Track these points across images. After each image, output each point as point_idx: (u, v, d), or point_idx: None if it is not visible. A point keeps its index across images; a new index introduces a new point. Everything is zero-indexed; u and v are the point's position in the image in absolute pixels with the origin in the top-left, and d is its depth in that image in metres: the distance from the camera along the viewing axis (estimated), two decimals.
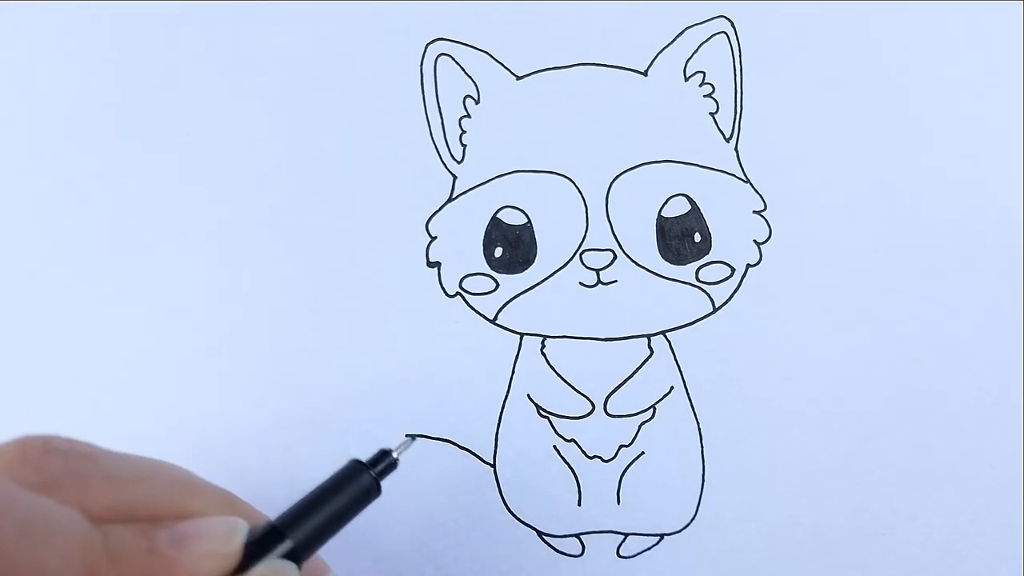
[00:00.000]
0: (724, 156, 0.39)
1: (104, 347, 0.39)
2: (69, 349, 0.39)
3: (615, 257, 0.38)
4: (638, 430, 0.39)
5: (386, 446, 0.33)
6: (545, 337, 0.39)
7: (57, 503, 0.22)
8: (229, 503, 0.27)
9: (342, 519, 0.30)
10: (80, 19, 0.40)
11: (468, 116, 0.39)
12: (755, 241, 0.39)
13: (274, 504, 0.36)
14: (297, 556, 0.27)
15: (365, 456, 0.32)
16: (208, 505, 0.26)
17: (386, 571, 0.38)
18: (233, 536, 0.25)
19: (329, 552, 0.38)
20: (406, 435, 0.33)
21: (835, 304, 0.38)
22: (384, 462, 0.31)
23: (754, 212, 0.39)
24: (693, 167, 0.39)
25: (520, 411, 0.39)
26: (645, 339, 0.39)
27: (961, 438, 0.38)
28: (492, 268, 0.39)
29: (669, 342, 0.39)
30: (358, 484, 0.30)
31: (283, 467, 0.38)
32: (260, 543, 0.26)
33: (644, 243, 0.38)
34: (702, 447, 0.39)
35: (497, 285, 0.39)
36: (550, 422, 0.39)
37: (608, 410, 0.39)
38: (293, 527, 0.28)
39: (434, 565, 0.38)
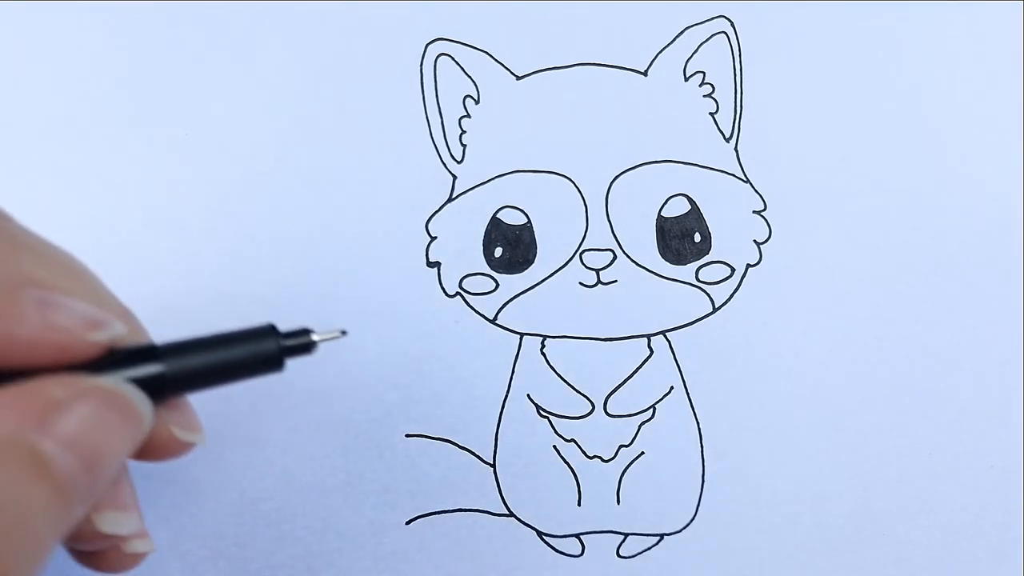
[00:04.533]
0: (724, 156, 0.39)
1: None
2: None
3: (615, 257, 0.38)
4: (638, 430, 0.39)
5: (385, 438, 0.35)
6: (545, 337, 0.39)
7: None
8: (124, 314, 0.25)
9: (229, 374, 0.26)
10: (80, 18, 0.39)
11: (468, 116, 0.39)
12: (755, 241, 0.39)
13: (273, 503, 0.36)
14: (164, 386, 0.25)
15: None
16: (101, 302, 0.24)
17: (386, 571, 0.38)
18: (100, 328, 0.23)
19: (329, 552, 0.38)
20: (341, 331, 0.29)
21: (835, 304, 0.38)
22: (299, 339, 0.27)
23: (754, 212, 0.39)
24: (693, 167, 0.39)
25: (520, 411, 0.39)
26: (645, 339, 0.39)
27: (961, 438, 0.38)
28: (492, 268, 0.39)
29: (669, 342, 0.39)
30: (259, 346, 0.27)
31: (283, 468, 0.38)
32: (129, 356, 0.24)
33: (644, 243, 0.38)
34: (702, 447, 0.39)
35: (497, 285, 0.39)
36: (550, 422, 0.39)
37: (608, 410, 0.39)
38: (172, 356, 0.25)
39: (434, 565, 0.38)
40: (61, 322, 0.22)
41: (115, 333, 0.23)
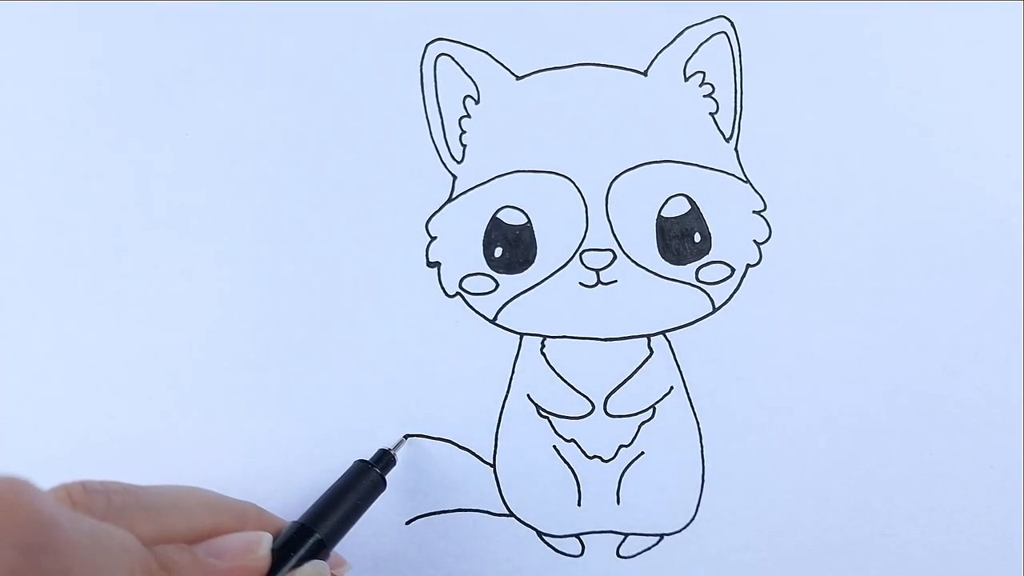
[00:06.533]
0: (724, 156, 0.39)
1: (103, 347, 0.39)
2: (67, 350, 0.39)
3: (615, 257, 0.38)
4: (638, 430, 0.39)
5: (385, 446, 0.37)
6: (545, 337, 0.39)
7: (111, 525, 0.25)
8: (256, 515, 0.32)
9: (356, 513, 0.34)
10: (81, 19, 0.39)
11: (468, 116, 0.39)
12: (755, 241, 0.39)
13: (276, 503, 0.36)
14: (324, 547, 0.32)
15: (366, 456, 0.37)
16: (237, 522, 0.31)
17: (386, 571, 0.38)
18: (260, 545, 0.30)
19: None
20: (404, 436, 0.38)
21: (835, 304, 0.38)
22: (385, 460, 0.36)
23: (754, 212, 0.39)
24: (693, 167, 0.39)
25: (520, 411, 0.39)
26: (645, 339, 0.39)
27: (961, 438, 0.38)
28: (492, 268, 0.39)
29: (669, 342, 0.39)
30: (367, 481, 0.35)
31: (284, 467, 0.38)
32: (293, 540, 0.32)
33: (644, 243, 0.38)
34: (702, 447, 0.39)
35: (497, 285, 0.39)
36: (550, 422, 0.39)
37: (608, 410, 0.39)
38: (318, 524, 0.33)
39: (434, 565, 0.38)
40: (235, 561, 0.29)
41: (268, 543, 0.30)
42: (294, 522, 0.33)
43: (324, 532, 0.32)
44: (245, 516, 0.31)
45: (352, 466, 0.36)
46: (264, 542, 0.30)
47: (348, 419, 0.38)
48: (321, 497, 0.34)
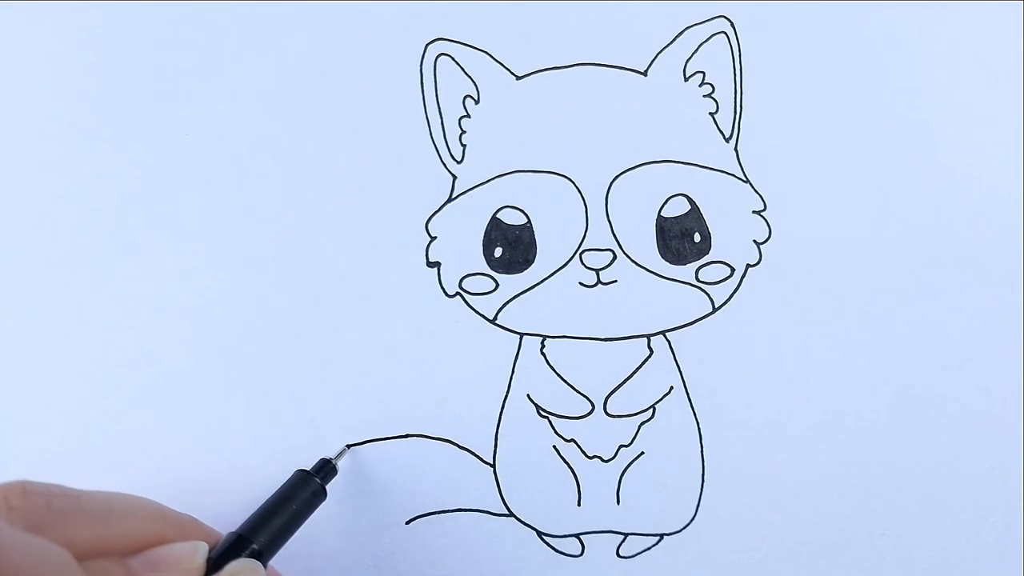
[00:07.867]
0: (724, 156, 0.39)
1: (102, 347, 0.39)
2: (65, 350, 0.39)
3: (615, 257, 0.38)
4: (638, 430, 0.39)
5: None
6: (545, 337, 0.39)
7: (49, 541, 0.25)
8: (194, 527, 0.32)
9: (296, 522, 0.34)
10: (81, 19, 0.39)
11: (468, 116, 0.39)
12: (755, 241, 0.39)
13: None
14: (261, 557, 0.32)
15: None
16: (176, 532, 0.30)
17: (386, 571, 0.38)
18: (196, 555, 0.30)
19: (330, 552, 0.38)
20: (346, 445, 0.38)
21: (835, 304, 0.38)
22: (325, 469, 0.36)
23: (754, 212, 0.39)
24: (693, 167, 0.39)
25: (520, 411, 0.39)
26: (645, 339, 0.39)
27: (961, 438, 0.38)
28: (492, 268, 0.39)
29: (669, 342, 0.39)
30: (307, 491, 0.35)
31: (284, 467, 0.38)
32: (230, 550, 0.32)
33: (644, 243, 0.38)
34: (702, 447, 0.39)
35: (497, 285, 0.39)
36: (550, 422, 0.39)
37: (608, 410, 0.39)
38: (255, 534, 0.32)
39: (434, 565, 0.38)
40: (171, 572, 0.29)
41: (204, 552, 0.30)
42: (231, 532, 0.32)
43: (261, 542, 0.32)
44: (185, 528, 0.31)
45: (292, 476, 0.36)
46: (200, 552, 0.30)
47: (348, 419, 0.38)
48: (259, 507, 0.34)
